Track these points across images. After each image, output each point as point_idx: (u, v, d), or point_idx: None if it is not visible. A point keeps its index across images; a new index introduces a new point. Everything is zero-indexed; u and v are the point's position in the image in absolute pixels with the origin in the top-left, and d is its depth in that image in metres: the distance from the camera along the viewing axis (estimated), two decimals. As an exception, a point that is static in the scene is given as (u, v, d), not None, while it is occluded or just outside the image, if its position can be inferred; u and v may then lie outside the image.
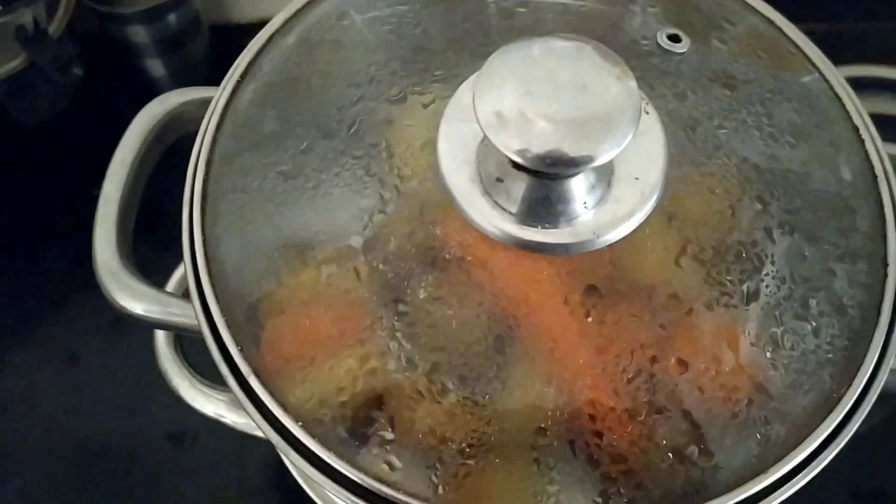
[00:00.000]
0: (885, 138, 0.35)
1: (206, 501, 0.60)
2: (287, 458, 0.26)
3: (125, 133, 0.32)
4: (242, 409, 0.35)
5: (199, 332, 0.28)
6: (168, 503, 0.60)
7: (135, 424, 0.62)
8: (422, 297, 0.26)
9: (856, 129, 0.31)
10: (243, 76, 0.31)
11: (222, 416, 0.38)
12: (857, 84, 0.70)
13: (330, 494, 0.33)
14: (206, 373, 0.40)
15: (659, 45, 0.30)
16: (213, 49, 0.75)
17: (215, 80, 0.34)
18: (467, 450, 0.25)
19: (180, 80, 0.74)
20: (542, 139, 0.24)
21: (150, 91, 0.79)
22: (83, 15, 0.66)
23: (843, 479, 0.56)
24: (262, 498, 0.59)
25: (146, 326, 0.32)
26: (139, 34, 0.69)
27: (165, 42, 0.71)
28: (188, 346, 0.40)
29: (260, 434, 0.37)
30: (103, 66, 0.70)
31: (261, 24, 0.82)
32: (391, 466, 0.25)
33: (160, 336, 0.38)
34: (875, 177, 0.30)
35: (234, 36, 0.76)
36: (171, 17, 0.69)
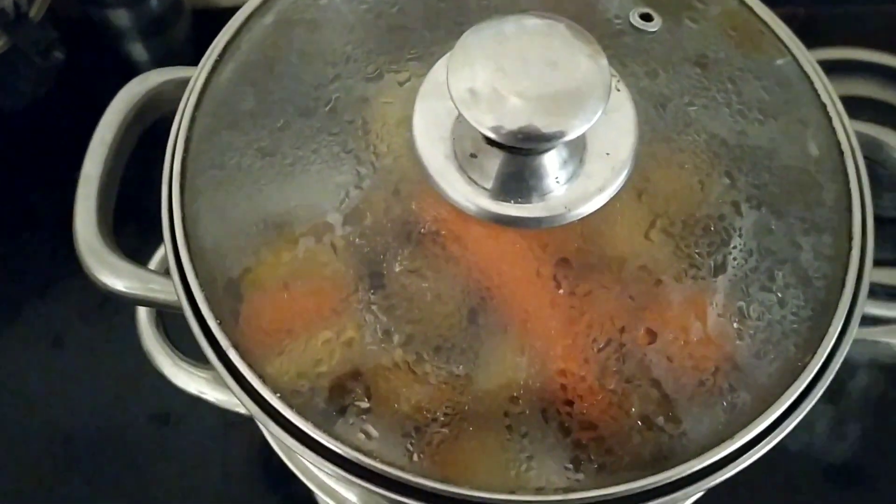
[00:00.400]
0: (863, 120, 0.36)
1: (191, 481, 0.60)
2: (266, 429, 0.26)
3: (105, 112, 0.33)
4: (224, 385, 0.36)
5: (180, 308, 0.29)
6: (153, 484, 0.60)
7: (119, 406, 0.63)
8: (397, 270, 0.26)
9: (823, 106, 0.31)
10: (222, 55, 0.31)
11: (204, 394, 0.38)
12: (835, 66, 0.71)
13: (310, 466, 0.34)
14: (188, 351, 0.40)
15: (631, 24, 0.31)
16: (195, 33, 0.75)
17: (197, 64, 0.34)
18: (442, 419, 0.25)
19: (162, 64, 0.73)
20: (514, 115, 0.24)
21: (131, 75, 0.79)
22: (64, -1, 0.66)
23: (816, 456, 0.57)
24: (246, 477, 0.60)
25: (128, 303, 0.32)
26: (121, 18, 0.69)
27: (147, 26, 0.71)
28: (170, 325, 0.40)
29: (241, 410, 0.38)
30: (85, 50, 0.70)
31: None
32: (368, 436, 0.26)
33: (142, 315, 0.39)
34: (841, 153, 0.30)
35: (216, 19, 0.75)
36: (153, 1, 0.69)
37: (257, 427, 0.63)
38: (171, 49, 0.74)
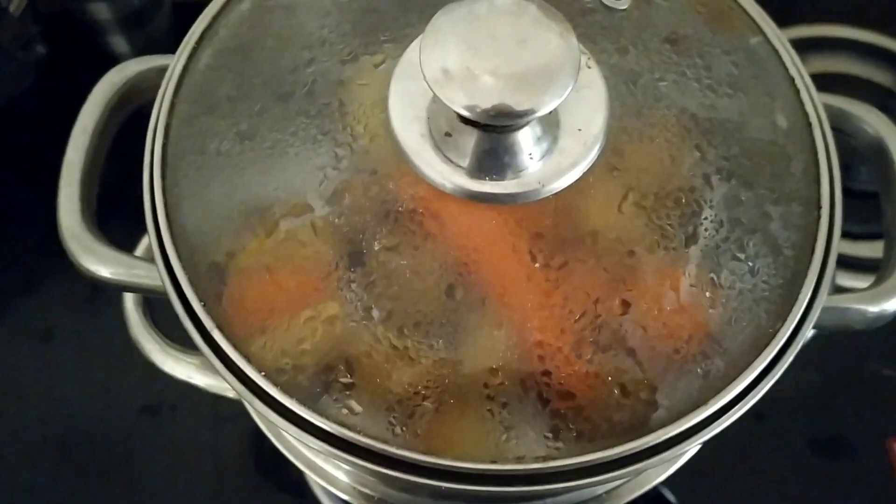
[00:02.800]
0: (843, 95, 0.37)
1: (183, 471, 0.61)
2: (252, 407, 0.27)
3: (86, 101, 0.33)
4: (212, 370, 0.36)
5: (165, 293, 0.29)
6: (145, 475, 0.61)
7: (110, 398, 0.63)
8: (377, 248, 0.27)
9: (791, 79, 0.32)
10: (199, 41, 0.32)
11: (192, 379, 0.39)
12: (816, 43, 0.71)
13: (298, 445, 0.34)
14: (175, 338, 0.41)
15: (602, 2, 0.31)
16: (175, 25, 0.75)
17: (176, 53, 0.35)
18: (423, 392, 0.26)
19: (144, 57, 0.74)
20: (486, 93, 0.25)
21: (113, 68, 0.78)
22: (43, -7, 0.66)
23: (801, 428, 0.58)
24: (238, 465, 0.60)
25: (113, 289, 0.33)
26: (101, 11, 0.69)
27: (128, 18, 0.71)
28: (157, 312, 0.41)
29: (230, 394, 0.38)
30: (66, 44, 0.70)
31: (223, -2, 0.80)
32: (351, 411, 0.26)
33: (129, 304, 0.39)
34: (809, 124, 0.31)
35: (196, 11, 0.76)
36: (133, -6, 0.69)
37: (248, 416, 0.63)
38: (152, 41, 0.74)
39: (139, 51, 0.73)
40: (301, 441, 0.26)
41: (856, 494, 0.56)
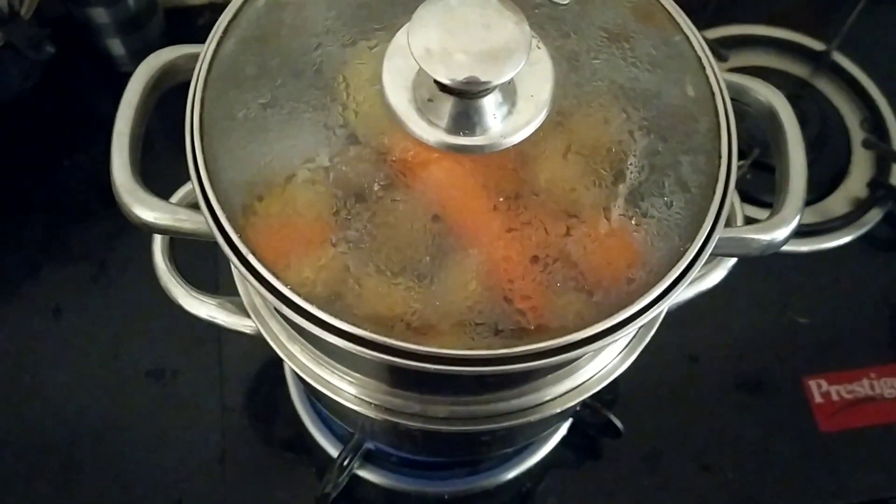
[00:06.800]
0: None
1: (185, 426, 0.67)
2: (279, 312, 0.34)
3: (129, 82, 0.40)
4: (228, 309, 0.44)
5: (201, 235, 0.37)
6: (153, 435, 0.66)
7: (118, 365, 0.69)
8: (376, 189, 0.34)
9: (699, 58, 0.40)
10: (225, 32, 0.39)
11: (214, 318, 0.45)
12: (741, 40, 0.80)
13: (307, 362, 0.42)
14: (196, 284, 0.47)
15: (549, -1, 0.39)
16: (168, 29, 0.82)
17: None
18: (415, 296, 0.34)
19: (138, 58, 0.80)
20: (460, 67, 0.33)
21: (111, 69, 0.85)
22: (49, -1, 0.72)
23: (730, 369, 0.67)
24: (241, 421, 0.67)
25: (158, 232, 0.39)
26: (100, 16, 0.75)
27: (125, 23, 0.77)
28: (180, 262, 0.47)
29: (247, 330, 0.45)
30: (67, 46, 0.76)
31: (210, 5, 0.90)
32: (360, 313, 0.33)
33: (157, 256, 0.45)
34: (713, 94, 0.39)
35: (187, 17, 0.83)
36: (130, 0, 0.75)
37: (251, 371, 0.69)
38: (147, 43, 0.80)
39: (134, 52, 0.80)
40: (320, 337, 0.34)
41: (777, 424, 0.65)
